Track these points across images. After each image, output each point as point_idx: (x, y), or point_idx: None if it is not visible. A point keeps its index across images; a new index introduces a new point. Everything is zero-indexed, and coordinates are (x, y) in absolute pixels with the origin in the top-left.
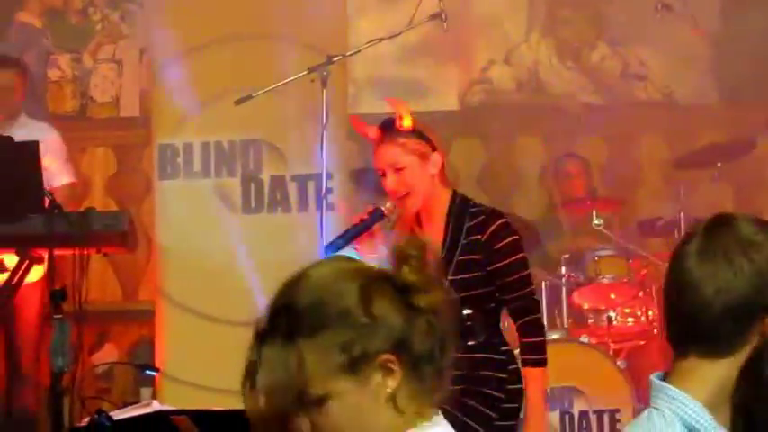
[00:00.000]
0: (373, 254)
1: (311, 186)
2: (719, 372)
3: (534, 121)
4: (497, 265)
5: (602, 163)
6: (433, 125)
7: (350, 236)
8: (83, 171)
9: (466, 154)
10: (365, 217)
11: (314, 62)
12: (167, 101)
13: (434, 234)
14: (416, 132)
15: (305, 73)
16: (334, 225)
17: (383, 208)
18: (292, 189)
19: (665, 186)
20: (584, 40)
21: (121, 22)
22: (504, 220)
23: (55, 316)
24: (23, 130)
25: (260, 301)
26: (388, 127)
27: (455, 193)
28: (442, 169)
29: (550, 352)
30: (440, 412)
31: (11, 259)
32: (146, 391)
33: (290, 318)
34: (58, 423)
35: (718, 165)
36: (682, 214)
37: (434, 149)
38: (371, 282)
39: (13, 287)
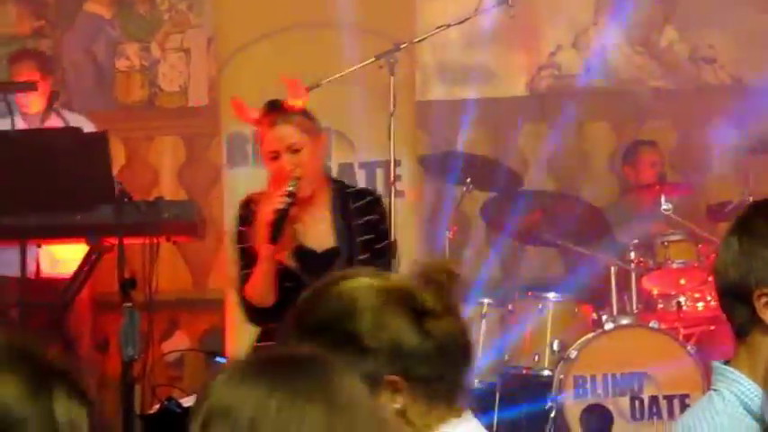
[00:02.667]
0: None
1: (380, 173)
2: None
3: (602, 106)
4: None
5: (671, 148)
6: (502, 111)
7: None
8: (151, 161)
9: (534, 139)
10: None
11: (381, 49)
12: (236, 89)
13: (318, 219)
14: (306, 113)
15: (372, 60)
16: (402, 212)
17: (291, 188)
18: (361, 176)
19: (735, 170)
20: (653, 23)
21: (189, 12)
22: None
23: (125, 305)
24: (60, 122)
25: None
26: (278, 108)
27: (330, 177)
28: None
29: (620, 337)
30: (466, 412)
31: (81, 249)
32: None
33: (301, 332)
34: (129, 410)
35: None
36: (751, 198)
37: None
38: (389, 304)
39: (85, 276)
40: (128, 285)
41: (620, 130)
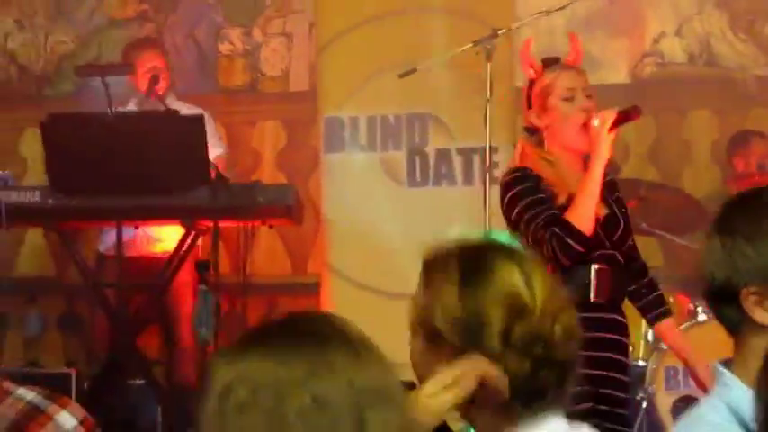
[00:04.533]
0: None
1: (476, 160)
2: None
3: (706, 95)
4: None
5: None
6: (604, 98)
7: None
8: (253, 145)
9: (636, 128)
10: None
11: (479, 34)
12: (334, 74)
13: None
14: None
15: (469, 46)
16: (498, 199)
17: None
18: (458, 162)
19: None
20: (758, 11)
21: None
22: None
23: (200, 287)
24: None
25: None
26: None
27: None
28: None
29: (713, 329)
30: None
31: (176, 231)
32: None
33: None
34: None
35: None
36: None
37: None
38: (517, 315)
39: (180, 258)
40: (201, 267)
41: (724, 119)
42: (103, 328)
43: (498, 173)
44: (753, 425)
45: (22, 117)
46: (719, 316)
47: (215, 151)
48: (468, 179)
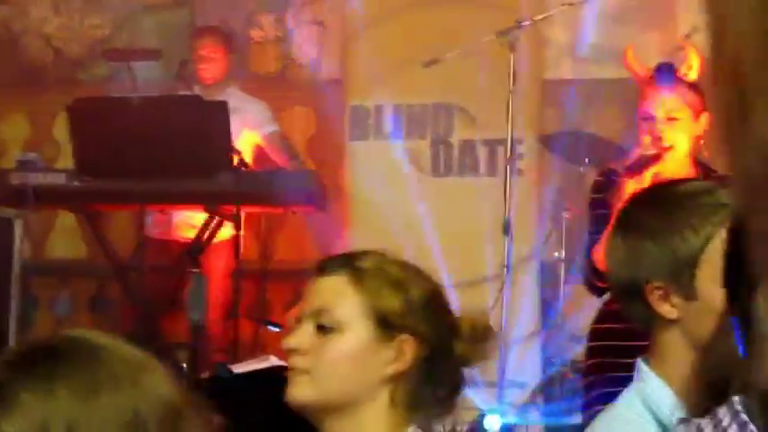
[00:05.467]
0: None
1: (501, 151)
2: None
3: None
4: None
5: None
6: (634, 92)
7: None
8: (282, 132)
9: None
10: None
11: (508, 26)
12: (361, 63)
13: None
14: (695, 86)
15: (493, 37)
16: (522, 191)
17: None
18: (482, 153)
19: None
20: None
21: None
22: None
23: (193, 270)
24: (229, 99)
25: (443, 264)
26: (669, 72)
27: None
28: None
29: None
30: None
31: (200, 216)
32: None
33: None
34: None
35: None
36: None
37: (704, 110)
38: (439, 295)
39: (203, 243)
40: (193, 251)
41: None
42: (131, 311)
43: (522, 165)
44: (668, 419)
45: (56, 100)
46: (629, 314)
47: (267, 128)
48: (491, 170)
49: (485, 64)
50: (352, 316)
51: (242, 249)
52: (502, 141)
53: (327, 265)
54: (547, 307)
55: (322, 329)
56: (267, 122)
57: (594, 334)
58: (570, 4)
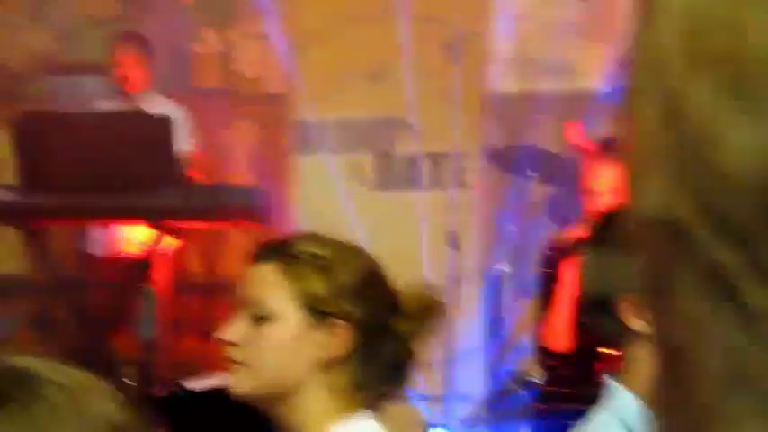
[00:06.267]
0: None
1: (445, 164)
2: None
3: None
4: None
5: None
6: (578, 105)
7: None
8: (226, 145)
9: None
10: None
11: (451, 40)
12: (305, 77)
13: None
14: None
15: (436, 51)
16: (466, 204)
17: None
18: (426, 167)
19: None
20: None
21: None
22: None
23: (142, 286)
24: (151, 105)
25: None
26: (611, 147)
27: None
28: None
29: None
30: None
31: (143, 231)
32: None
33: None
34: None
35: None
36: None
37: None
38: (375, 274)
39: (151, 258)
40: (143, 266)
41: None
42: (75, 329)
43: (466, 178)
44: None
45: None
46: (600, 330)
47: (186, 147)
48: (435, 184)
49: (428, 78)
50: (283, 304)
51: (186, 264)
52: (446, 155)
53: (260, 252)
54: (492, 320)
55: (256, 319)
56: (188, 142)
57: None
58: (513, 18)
